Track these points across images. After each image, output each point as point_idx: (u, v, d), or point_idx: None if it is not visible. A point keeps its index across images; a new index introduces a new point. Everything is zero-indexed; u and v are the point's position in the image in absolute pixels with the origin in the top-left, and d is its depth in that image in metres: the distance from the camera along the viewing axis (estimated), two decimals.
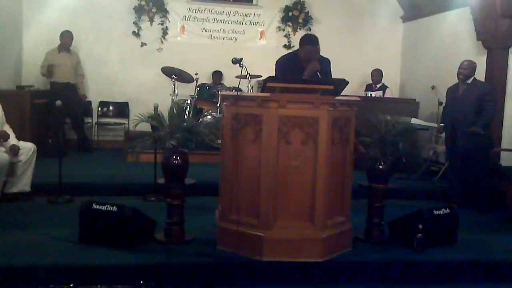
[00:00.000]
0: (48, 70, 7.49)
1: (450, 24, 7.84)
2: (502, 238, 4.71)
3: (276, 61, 4.53)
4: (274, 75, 4.34)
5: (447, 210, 4.37)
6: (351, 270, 3.83)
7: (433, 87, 7.76)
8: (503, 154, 6.06)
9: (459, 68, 5.79)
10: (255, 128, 3.71)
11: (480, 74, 6.18)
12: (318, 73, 4.40)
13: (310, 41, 4.55)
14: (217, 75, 8.65)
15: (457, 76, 5.82)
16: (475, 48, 7.04)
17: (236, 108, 3.78)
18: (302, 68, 4.50)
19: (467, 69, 5.72)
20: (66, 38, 7.69)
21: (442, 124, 6.14)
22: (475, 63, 5.87)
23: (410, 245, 4.09)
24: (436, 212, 4.29)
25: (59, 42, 7.67)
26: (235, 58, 4.05)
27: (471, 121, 5.61)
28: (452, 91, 5.94)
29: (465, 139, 5.65)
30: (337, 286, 3.67)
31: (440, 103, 7.52)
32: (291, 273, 3.69)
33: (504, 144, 6.01)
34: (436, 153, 7.83)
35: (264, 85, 3.71)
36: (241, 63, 3.99)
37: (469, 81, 5.74)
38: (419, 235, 4.06)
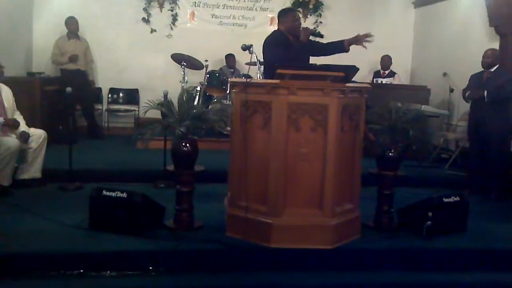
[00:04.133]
0: (71, 59, 7.52)
1: (462, 10, 7.74)
2: (509, 226, 4.67)
3: (265, 44, 4.50)
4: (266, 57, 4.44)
5: (457, 198, 4.34)
6: (359, 257, 3.83)
7: (444, 74, 7.69)
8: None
9: (483, 56, 5.77)
10: (264, 115, 3.70)
11: None
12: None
13: (291, 9, 4.81)
14: (231, 58, 8.62)
15: (481, 65, 5.79)
16: (488, 34, 6.94)
17: (245, 95, 3.77)
18: (290, 42, 4.55)
19: (490, 57, 5.71)
20: (71, 25, 7.72)
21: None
22: (497, 50, 5.87)
23: (419, 232, 4.07)
24: (445, 200, 4.26)
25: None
26: (244, 44, 4.04)
27: (487, 105, 5.59)
28: (476, 78, 5.89)
29: (483, 122, 5.65)
30: (346, 273, 3.67)
31: (451, 90, 7.46)
32: (299, 260, 3.70)
33: None
34: (446, 141, 7.78)
35: (273, 72, 3.68)
36: (251, 49, 3.97)
37: (493, 69, 5.71)
38: (429, 222, 4.04)
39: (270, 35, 4.60)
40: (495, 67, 5.70)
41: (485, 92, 5.56)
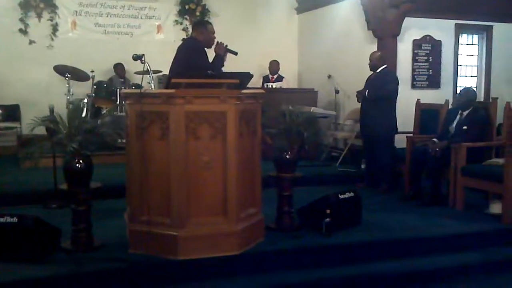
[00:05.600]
0: None
1: (342, 15, 8.15)
2: (400, 216, 4.99)
3: (185, 49, 4.59)
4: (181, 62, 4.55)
5: (351, 194, 4.57)
6: (266, 260, 3.88)
7: (329, 76, 8.06)
8: (396, 137, 6.42)
9: (369, 59, 6.08)
10: (161, 125, 3.63)
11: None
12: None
13: (207, 21, 5.21)
14: (120, 67, 8.36)
15: (369, 67, 6.11)
16: (367, 37, 7.39)
17: (140, 106, 3.67)
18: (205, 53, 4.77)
19: (374, 60, 6.04)
20: None
21: None
22: (382, 53, 6.21)
23: (319, 230, 4.22)
24: (341, 196, 4.46)
25: None
26: (136, 54, 3.95)
27: (372, 105, 5.93)
28: (368, 78, 6.21)
29: (369, 121, 6.00)
30: (254, 277, 3.70)
31: (337, 92, 7.84)
32: (207, 269, 3.67)
33: (398, 127, 6.36)
34: (336, 140, 8.16)
35: (169, 81, 3.65)
36: (143, 59, 3.89)
37: (379, 70, 6.03)
38: (327, 219, 4.20)
39: (190, 42, 4.70)
40: (381, 68, 6.03)
41: (366, 91, 5.92)
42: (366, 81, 6.24)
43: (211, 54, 4.91)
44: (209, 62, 4.66)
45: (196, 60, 4.47)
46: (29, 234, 3.56)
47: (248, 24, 9.24)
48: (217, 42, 4.90)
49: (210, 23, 4.98)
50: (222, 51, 4.85)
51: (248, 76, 3.89)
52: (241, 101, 3.76)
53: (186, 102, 3.58)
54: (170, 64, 4.84)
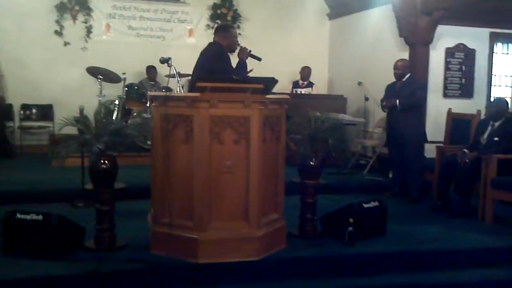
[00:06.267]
0: None
1: (374, 21, 8.06)
2: (426, 227, 4.88)
3: (216, 54, 4.60)
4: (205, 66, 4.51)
5: (376, 203, 4.50)
6: (286, 266, 3.85)
7: (359, 83, 7.98)
8: (426, 146, 6.31)
9: (393, 68, 5.99)
10: (186, 128, 3.65)
11: None
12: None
13: (231, 26, 4.93)
14: (152, 70, 8.48)
15: (394, 76, 6.01)
16: (398, 44, 7.29)
17: (165, 109, 3.70)
18: (229, 58, 4.73)
19: (400, 68, 5.95)
20: None
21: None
22: (406, 61, 6.12)
23: (342, 238, 4.17)
24: (365, 205, 4.39)
25: None
26: (162, 57, 4.01)
27: (401, 113, 5.83)
28: (390, 87, 6.13)
29: (399, 130, 5.89)
30: (274, 283, 3.69)
31: (366, 99, 7.76)
32: (227, 274, 3.67)
33: (428, 137, 6.25)
34: (364, 147, 8.06)
35: (193, 85, 3.67)
36: (169, 62, 3.94)
37: (405, 78, 5.95)
38: (350, 228, 4.14)
39: (212, 46, 4.68)
40: (407, 76, 5.95)
41: (397, 101, 5.82)
42: (387, 89, 6.15)
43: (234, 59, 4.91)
44: (232, 67, 4.65)
45: (219, 65, 4.46)
46: (52, 231, 3.64)
47: (280, 29, 9.25)
48: (241, 47, 4.89)
49: (234, 27, 4.97)
50: (246, 56, 4.82)
51: (272, 81, 3.87)
52: (265, 106, 3.75)
53: (211, 106, 3.60)
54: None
